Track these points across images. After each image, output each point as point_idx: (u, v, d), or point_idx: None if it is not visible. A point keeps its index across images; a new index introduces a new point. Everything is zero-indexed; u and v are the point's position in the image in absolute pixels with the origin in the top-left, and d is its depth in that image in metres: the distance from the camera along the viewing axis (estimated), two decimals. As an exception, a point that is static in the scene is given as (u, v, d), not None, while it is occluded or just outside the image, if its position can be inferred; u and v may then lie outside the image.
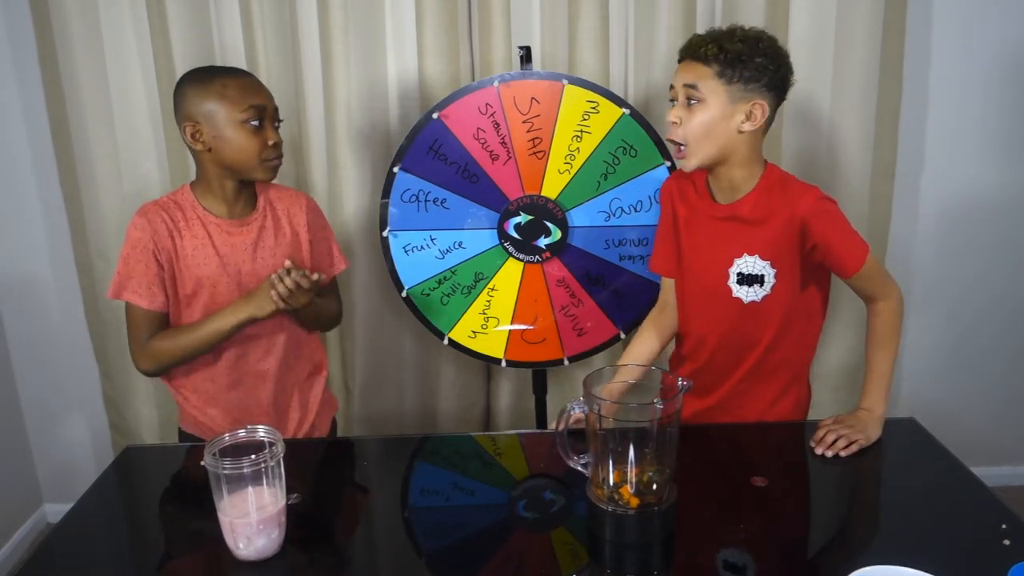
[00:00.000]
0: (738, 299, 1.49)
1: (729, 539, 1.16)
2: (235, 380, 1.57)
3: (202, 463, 1.08)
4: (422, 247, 1.84)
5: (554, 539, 1.20)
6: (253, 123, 1.45)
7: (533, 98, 1.76)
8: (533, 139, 1.77)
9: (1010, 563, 0.99)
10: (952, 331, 2.38)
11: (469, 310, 1.88)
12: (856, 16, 1.96)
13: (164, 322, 1.52)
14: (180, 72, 1.97)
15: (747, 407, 1.56)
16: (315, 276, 1.47)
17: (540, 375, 2.02)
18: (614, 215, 1.82)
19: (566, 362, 1.92)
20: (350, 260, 2.08)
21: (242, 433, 1.13)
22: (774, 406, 1.57)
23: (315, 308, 1.55)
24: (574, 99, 1.75)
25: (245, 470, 1.08)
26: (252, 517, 1.08)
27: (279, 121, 1.52)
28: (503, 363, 1.92)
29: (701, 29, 1.99)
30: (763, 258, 1.46)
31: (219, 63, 2.03)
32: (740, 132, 1.41)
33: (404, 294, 1.87)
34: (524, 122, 1.76)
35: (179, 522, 1.27)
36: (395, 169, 1.80)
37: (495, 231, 1.83)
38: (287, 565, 1.12)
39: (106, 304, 2.14)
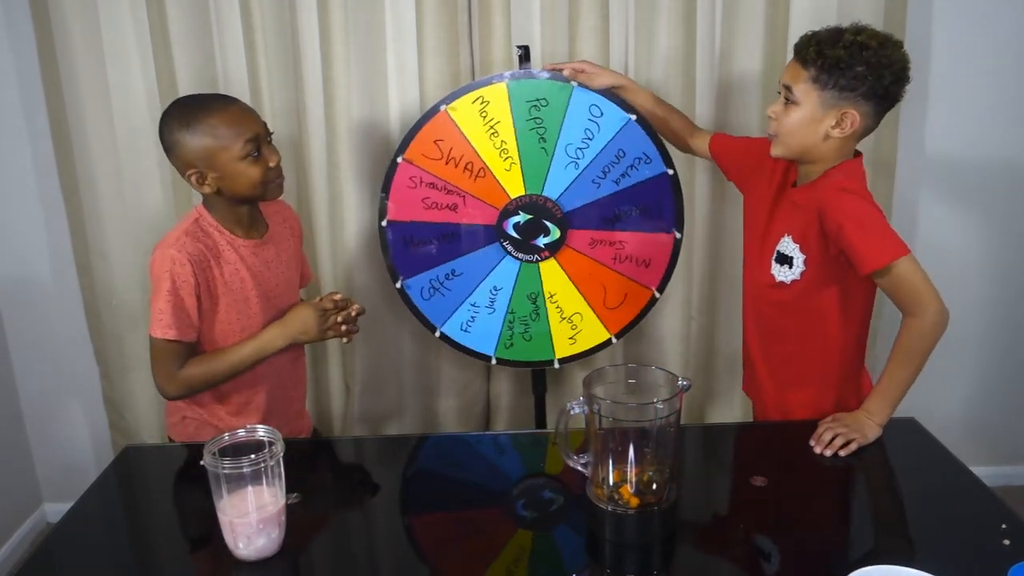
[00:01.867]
0: (772, 276, 1.52)
1: (729, 539, 1.16)
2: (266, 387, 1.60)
3: (202, 463, 1.08)
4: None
5: (554, 539, 1.21)
6: (253, 155, 1.46)
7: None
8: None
9: (1010, 563, 1.00)
10: (952, 331, 2.36)
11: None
12: (856, 16, 1.94)
13: (193, 350, 1.51)
14: (180, 72, 1.98)
15: (764, 390, 1.60)
16: (359, 306, 1.59)
17: (539, 375, 2.02)
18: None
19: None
20: (349, 260, 2.08)
21: (241, 433, 1.14)
22: (783, 393, 1.57)
23: None
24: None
25: (245, 470, 1.08)
26: (252, 517, 1.08)
27: (270, 135, 1.52)
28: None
29: (701, 29, 2.00)
30: (795, 240, 1.48)
31: (218, 63, 2.03)
32: (828, 137, 1.42)
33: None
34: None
35: (179, 522, 1.27)
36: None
37: (494, 228, 1.82)
38: (287, 565, 1.12)
39: (106, 304, 2.14)
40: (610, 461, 1.14)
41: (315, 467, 1.42)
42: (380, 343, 2.16)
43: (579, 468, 1.17)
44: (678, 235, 1.83)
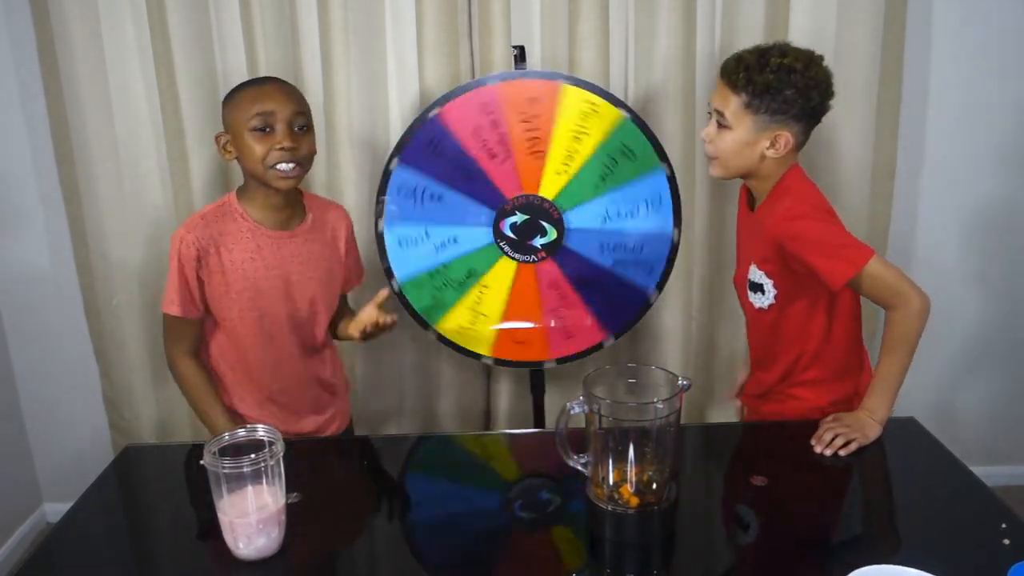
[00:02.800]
0: (752, 303, 1.55)
1: (729, 539, 1.16)
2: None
3: (201, 462, 1.08)
4: (417, 241, 1.84)
5: (554, 538, 1.20)
6: (262, 129, 1.46)
7: (532, 98, 1.76)
8: (532, 139, 1.77)
9: (1010, 563, 1.00)
10: (952, 330, 2.37)
11: (458, 305, 1.87)
12: (856, 16, 1.96)
13: (200, 327, 1.57)
14: (180, 72, 1.99)
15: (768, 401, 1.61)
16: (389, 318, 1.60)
17: (538, 375, 2.02)
18: (611, 218, 1.82)
19: (551, 364, 1.92)
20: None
21: (241, 432, 1.14)
22: (785, 403, 1.58)
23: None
24: (573, 100, 1.75)
25: (245, 469, 1.08)
26: (252, 517, 1.08)
27: (303, 127, 1.50)
28: (489, 360, 1.91)
29: (701, 29, 2.00)
30: (759, 268, 1.50)
31: (218, 63, 2.03)
32: (764, 157, 1.44)
33: (396, 287, 1.86)
34: (523, 121, 1.76)
35: (179, 522, 1.27)
36: (392, 164, 1.79)
37: (490, 229, 1.83)
38: (287, 565, 1.12)
39: (106, 304, 2.14)
40: (610, 461, 1.14)
41: (315, 467, 1.42)
42: (380, 343, 2.16)
43: (579, 468, 1.17)
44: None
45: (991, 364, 2.41)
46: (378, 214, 1.83)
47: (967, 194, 2.26)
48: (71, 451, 2.42)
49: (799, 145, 1.47)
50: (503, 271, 1.86)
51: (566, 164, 1.79)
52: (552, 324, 1.88)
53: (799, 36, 1.98)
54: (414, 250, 1.85)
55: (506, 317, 1.88)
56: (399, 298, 1.88)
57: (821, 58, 1.44)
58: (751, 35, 1.97)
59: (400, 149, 1.79)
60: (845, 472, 1.34)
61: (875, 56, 1.98)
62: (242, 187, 1.56)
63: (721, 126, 1.46)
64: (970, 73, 2.15)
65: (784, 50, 1.42)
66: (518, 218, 1.81)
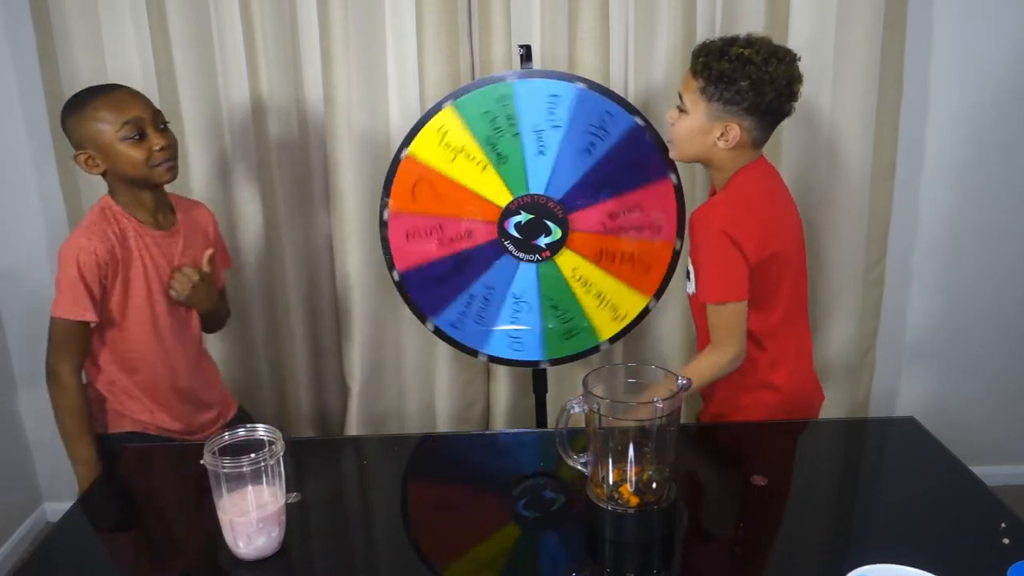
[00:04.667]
0: (687, 290, 1.60)
1: (729, 539, 1.16)
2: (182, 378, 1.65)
3: (202, 462, 1.08)
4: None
5: (554, 538, 1.21)
6: (134, 137, 1.50)
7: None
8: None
9: (1010, 562, 1.00)
10: (952, 330, 2.37)
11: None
12: (856, 16, 1.96)
13: (91, 337, 1.55)
14: (180, 73, 1.99)
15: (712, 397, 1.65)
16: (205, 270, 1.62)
17: (540, 375, 2.02)
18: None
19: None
20: (347, 260, 2.08)
21: (241, 432, 1.14)
22: (709, 403, 1.63)
23: (216, 310, 1.71)
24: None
25: (245, 469, 1.08)
26: (252, 516, 1.08)
27: (164, 123, 1.56)
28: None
29: (701, 29, 2.00)
30: (689, 254, 1.55)
31: (218, 63, 2.03)
32: (716, 146, 1.45)
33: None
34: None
35: (178, 521, 1.27)
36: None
37: (496, 225, 1.81)
38: (287, 564, 1.12)
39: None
40: (610, 460, 1.14)
41: (315, 467, 1.42)
42: (380, 344, 2.16)
43: (579, 467, 1.17)
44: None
45: (991, 364, 2.41)
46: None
47: (967, 194, 2.26)
48: (71, 451, 2.42)
49: (755, 142, 1.47)
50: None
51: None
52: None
53: (799, 36, 1.98)
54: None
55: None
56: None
57: (793, 57, 1.43)
58: (751, 35, 1.97)
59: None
60: (845, 472, 1.34)
61: (875, 56, 1.98)
62: (112, 194, 1.58)
63: (681, 110, 1.47)
64: (970, 73, 2.15)
65: (750, 41, 1.42)
66: (523, 217, 1.81)
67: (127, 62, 2.01)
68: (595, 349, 1.92)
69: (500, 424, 2.25)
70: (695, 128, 1.46)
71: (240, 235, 2.12)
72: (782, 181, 1.61)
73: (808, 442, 1.41)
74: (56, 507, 2.46)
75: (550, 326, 1.88)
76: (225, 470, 1.08)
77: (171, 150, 1.55)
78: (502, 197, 1.79)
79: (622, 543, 1.13)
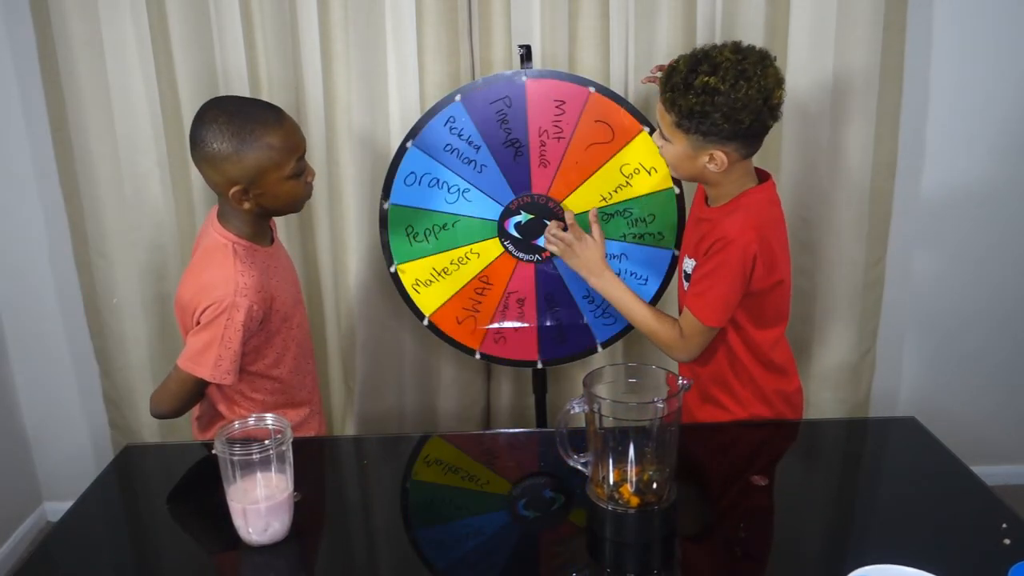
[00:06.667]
0: (683, 291, 1.59)
1: (729, 538, 1.16)
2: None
3: (212, 451, 1.10)
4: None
5: (554, 538, 1.21)
6: (300, 174, 1.41)
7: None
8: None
9: (1010, 563, 1.00)
10: (952, 330, 2.38)
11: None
12: (856, 16, 1.96)
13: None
14: (180, 72, 1.98)
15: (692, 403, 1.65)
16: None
17: (540, 374, 2.02)
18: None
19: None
20: (348, 261, 2.08)
21: (251, 421, 1.16)
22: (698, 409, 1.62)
23: None
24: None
25: (255, 456, 1.10)
26: (262, 504, 1.11)
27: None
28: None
29: (701, 29, 2.00)
30: (691, 257, 1.54)
31: (218, 63, 2.03)
32: (707, 169, 1.44)
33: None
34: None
35: (179, 521, 1.27)
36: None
37: (495, 224, 1.81)
38: (297, 550, 1.12)
39: (106, 303, 2.14)
40: (610, 460, 1.14)
41: (315, 466, 1.42)
42: (380, 344, 2.16)
43: (579, 467, 1.17)
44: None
45: (992, 363, 2.41)
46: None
47: (967, 194, 2.26)
48: (71, 451, 2.42)
49: (746, 156, 1.44)
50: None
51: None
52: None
53: (799, 36, 1.98)
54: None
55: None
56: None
57: (766, 65, 1.34)
58: (751, 35, 1.96)
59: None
60: (845, 472, 1.34)
61: (875, 56, 1.98)
62: (229, 220, 1.43)
63: (664, 138, 1.46)
64: (970, 73, 2.15)
65: (715, 65, 1.33)
66: (523, 217, 1.81)
67: (127, 62, 2.01)
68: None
69: (500, 424, 2.25)
70: (681, 155, 1.44)
71: (240, 235, 2.12)
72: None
73: (808, 442, 1.41)
74: (56, 507, 2.46)
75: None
76: (235, 458, 1.10)
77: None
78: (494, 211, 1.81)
79: (622, 543, 1.13)
